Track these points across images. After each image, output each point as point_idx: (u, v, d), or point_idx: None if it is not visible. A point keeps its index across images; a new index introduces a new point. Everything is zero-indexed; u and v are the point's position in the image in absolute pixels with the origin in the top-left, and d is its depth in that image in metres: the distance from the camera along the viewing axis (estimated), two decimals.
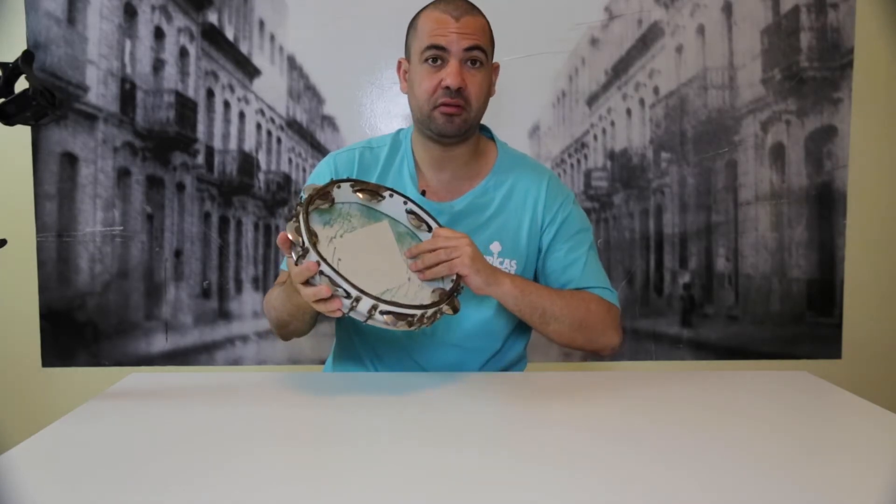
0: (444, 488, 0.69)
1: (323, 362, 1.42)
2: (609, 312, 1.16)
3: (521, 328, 1.26)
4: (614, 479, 0.71)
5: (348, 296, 0.90)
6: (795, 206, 1.88)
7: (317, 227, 0.99)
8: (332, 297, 0.90)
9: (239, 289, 1.87)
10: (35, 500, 0.66)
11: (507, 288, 1.06)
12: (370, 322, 0.92)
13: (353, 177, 1.17)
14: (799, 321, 1.91)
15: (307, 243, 0.91)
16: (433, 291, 1.02)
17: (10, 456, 0.76)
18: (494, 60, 1.19)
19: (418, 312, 0.93)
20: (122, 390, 1.04)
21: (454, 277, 1.03)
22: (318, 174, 1.23)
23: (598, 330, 1.15)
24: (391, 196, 1.08)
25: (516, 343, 1.26)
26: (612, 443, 0.81)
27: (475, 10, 1.14)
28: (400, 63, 1.20)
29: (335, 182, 1.04)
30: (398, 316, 0.92)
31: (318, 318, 1.13)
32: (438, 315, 0.98)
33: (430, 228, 1.09)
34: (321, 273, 0.90)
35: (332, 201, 1.03)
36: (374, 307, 0.91)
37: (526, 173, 1.21)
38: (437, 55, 1.10)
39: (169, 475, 0.72)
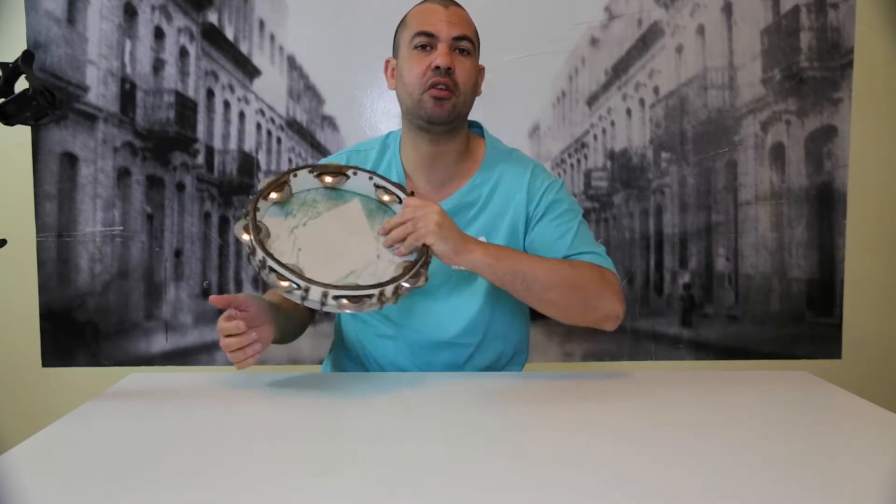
0: (443, 488, 0.69)
1: (322, 362, 1.42)
2: (604, 276, 1.09)
3: (510, 321, 1.22)
4: (613, 480, 0.71)
5: (298, 287, 0.89)
6: (795, 206, 1.88)
7: (276, 219, 0.97)
8: (244, 345, 0.96)
9: (239, 289, 1.87)
10: (35, 500, 0.66)
11: (479, 255, 1.02)
12: (328, 309, 0.91)
13: None
14: (799, 321, 1.91)
15: (253, 242, 0.90)
16: (402, 266, 0.97)
17: (10, 456, 0.76)
18: (480, 63, 1.20)
19: (375, 292, 0.90)
20: (122, 390, 1.04)
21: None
22: None
23: (593, 292, 1.07)
24: (355, 174, 1.06)
25: (504, 335, 1.21)
26: (611, 443, 0.81)
27: (460, 6, 1.18)
28: (388, 62, 1.21)
29: (292, 170, 1.02)
30: (353, 299, 0.89)
31: (306, 318, 1.24)
32: (401, 291, 0.94)
33: (400, 200, 1.06)
34: (271, 270, 0.90)
35: (290, 192, 1.02)
36: (325, 294, 0.89)
37: (510, 167, 1.20)
38: (426, 42, 1.12)
39: (169, 475, 0.72)
